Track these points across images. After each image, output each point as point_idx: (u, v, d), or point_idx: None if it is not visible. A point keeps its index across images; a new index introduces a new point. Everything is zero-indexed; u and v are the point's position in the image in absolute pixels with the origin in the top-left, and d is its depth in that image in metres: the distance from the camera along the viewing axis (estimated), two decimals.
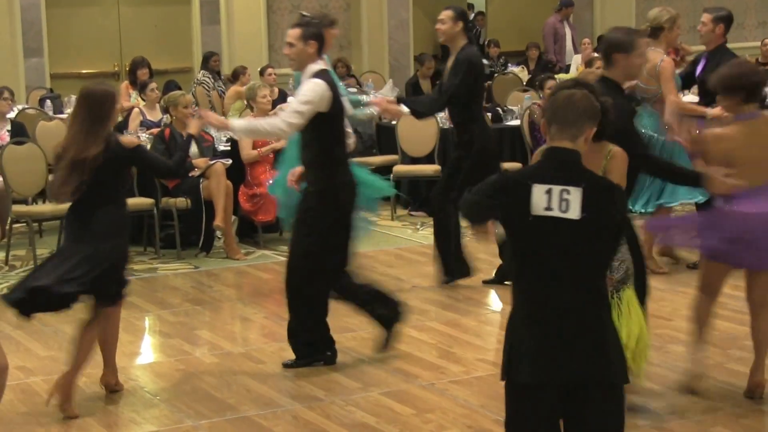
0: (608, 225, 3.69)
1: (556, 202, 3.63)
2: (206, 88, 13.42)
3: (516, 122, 10.86)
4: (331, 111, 6.13)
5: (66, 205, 9.43)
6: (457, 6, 8.00)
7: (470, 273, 8.01)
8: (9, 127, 10.32)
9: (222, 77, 13.93)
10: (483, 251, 8.37)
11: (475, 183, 8.03)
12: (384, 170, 10.93)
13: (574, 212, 3.62)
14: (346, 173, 6.24)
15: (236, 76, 13.16)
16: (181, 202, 9.14)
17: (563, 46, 15.55)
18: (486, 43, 16.11)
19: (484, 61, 7.93)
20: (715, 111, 7.86)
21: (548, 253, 3.67)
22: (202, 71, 13.73)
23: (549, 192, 3.65)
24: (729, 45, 8.47)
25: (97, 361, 6.59)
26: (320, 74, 6.19)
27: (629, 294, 4.36)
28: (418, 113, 8.10)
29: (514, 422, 3.77)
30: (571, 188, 3.64)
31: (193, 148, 9.33)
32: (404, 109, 7.82)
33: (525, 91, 12.09)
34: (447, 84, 7.74)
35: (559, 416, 3.73)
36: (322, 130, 6.15)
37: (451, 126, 10.60)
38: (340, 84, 7.58)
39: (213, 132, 10.13)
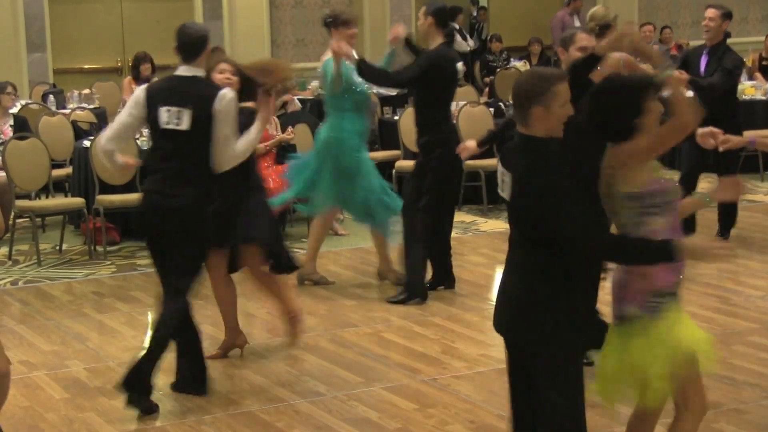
0: (526, 211, 3.92)
1: (500, 183, 4.05)
2: None
3: None
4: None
5: (71, 200, 9.51)
6: (435, 1, 7.54)
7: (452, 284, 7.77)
8: (12, 122, 10.33)
9: None
10: (487, 246, 8.37)
11: (442, 189, 7.74)
12: (386, 165, 10.95)
13: (507, 195, 3.99)
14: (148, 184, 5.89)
15: None
16: None
17: None
18: (489, 38, 16.09)
19: (459, 65, 7.42)
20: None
21: (508, 223, 4.11)
22: None
23: (502, 173, 4.03)
24: (732, 39, 8.48)
25: (100, 356, 6.59)
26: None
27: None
28: (362, 72, 7.36)
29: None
30: (507, 173, 3.98)
31: None
32: (355, 55, 7.38)
33: None
34: (403, 68, 7.49)
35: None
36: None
37: (454, 122, 10.63)
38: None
39: None
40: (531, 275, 3.94)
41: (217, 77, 6.01)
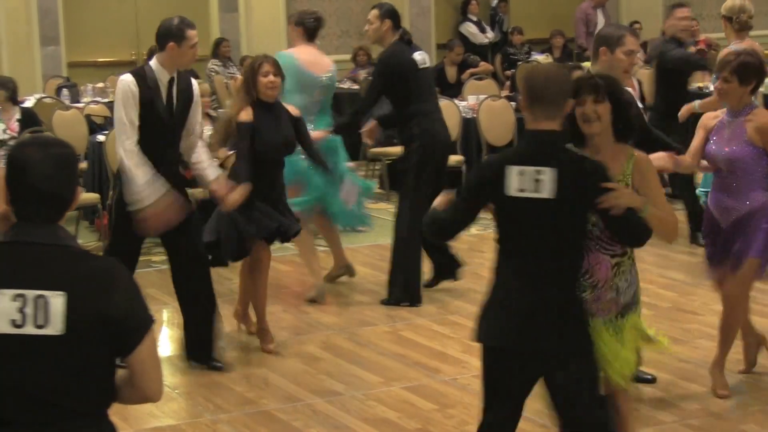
0: (581, 203, 3.84)
1: (529, 182, 3.78)
2: (211, 77, 13.15)
3: None
4: None
5: (85, 195, 9.42)
6: (384, 2, 7.43)
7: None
8: (19, 116, 10.03)
9: (234, 64, 13.76)
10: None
11: (421, 182, 7.52)
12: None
13: (547, 192, 3.77)
14: None
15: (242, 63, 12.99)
16: (199, 192, 9.03)
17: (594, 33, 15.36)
18: (510, 30, 15.95)
19: (417, 55, 7.19)
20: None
21: (523, 229, 3.86)
22: (212, 60, 13.59)
23: (522, 173, 3.79)
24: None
25: None
26: None
27: (634, 319, 4.32)
28: (335, 132, 7.53)
29: (484, 381, 3.96)
30: (545, 169, 3.77)
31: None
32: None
33: None
34: (361, 99, 7.63)
35: (531, 380, 3.91)
36: None
37: (474, 116, 10.52)
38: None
39: None
40: (566, 285, 3.90)
41: None
